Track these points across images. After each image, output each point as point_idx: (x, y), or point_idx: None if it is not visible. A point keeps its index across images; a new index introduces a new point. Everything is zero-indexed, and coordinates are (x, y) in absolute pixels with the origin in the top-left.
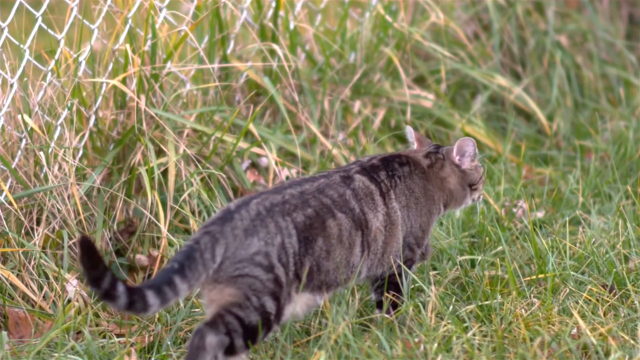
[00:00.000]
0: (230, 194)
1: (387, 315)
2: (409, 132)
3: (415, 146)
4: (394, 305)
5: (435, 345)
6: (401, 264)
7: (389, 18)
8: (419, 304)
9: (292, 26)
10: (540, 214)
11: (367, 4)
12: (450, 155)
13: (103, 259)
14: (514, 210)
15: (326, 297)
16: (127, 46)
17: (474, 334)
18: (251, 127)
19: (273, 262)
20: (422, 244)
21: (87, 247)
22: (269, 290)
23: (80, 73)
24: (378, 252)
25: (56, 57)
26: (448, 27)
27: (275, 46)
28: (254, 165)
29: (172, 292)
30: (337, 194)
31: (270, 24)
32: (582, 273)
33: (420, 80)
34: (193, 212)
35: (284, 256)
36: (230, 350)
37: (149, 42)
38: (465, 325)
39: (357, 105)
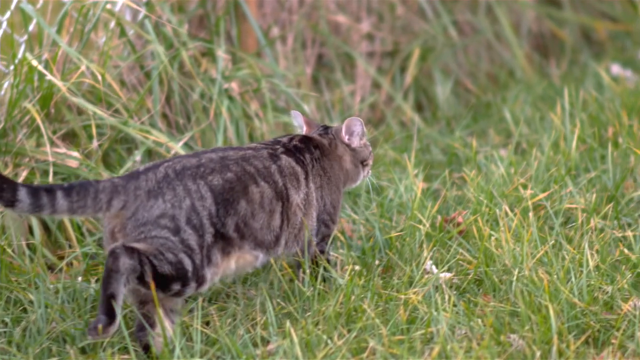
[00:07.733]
0: None
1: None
2: (295, 115)
3: (304, 129)
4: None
5: None
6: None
7: (27, 72)
8: None
9: None
10: None
11: (12, 55)
12: (339, 135)
13: None
14: None
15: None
16: None
17: None
18: None
19: (180, 225)
20: (336, 220)
21: None
22: (182, 250)
23: None
24: (296, 227)
25: None
26: (104, 78)
27: None
28: None
29: (48, 200)
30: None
31: None
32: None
33: (74, 136)
34: None
35: (196, 219)
36: (141, 280)
37: None
38: None
39: None
